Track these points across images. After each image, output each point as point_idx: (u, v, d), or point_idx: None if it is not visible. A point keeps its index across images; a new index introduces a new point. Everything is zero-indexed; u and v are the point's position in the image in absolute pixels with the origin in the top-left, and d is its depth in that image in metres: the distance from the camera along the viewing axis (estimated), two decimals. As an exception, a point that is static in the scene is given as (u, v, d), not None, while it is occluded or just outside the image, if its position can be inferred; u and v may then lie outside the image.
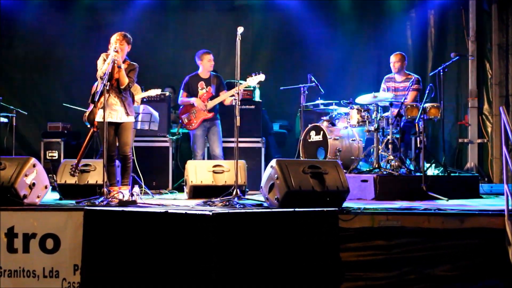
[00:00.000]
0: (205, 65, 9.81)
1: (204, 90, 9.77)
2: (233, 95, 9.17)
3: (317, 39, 12.24)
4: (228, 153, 9.80)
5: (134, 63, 7.89)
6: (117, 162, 7.95)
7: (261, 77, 9.17)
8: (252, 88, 10.53)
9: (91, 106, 7.71)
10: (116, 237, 6.08)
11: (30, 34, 12.44)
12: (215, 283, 5.56)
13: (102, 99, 7.42)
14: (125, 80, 7.68)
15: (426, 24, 12.22)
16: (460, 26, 11.93)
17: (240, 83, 8.15)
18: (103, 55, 7.78)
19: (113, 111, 7.67)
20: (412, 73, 10.12)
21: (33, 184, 6.98)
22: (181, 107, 9.96)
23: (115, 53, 7.52)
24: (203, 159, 9.78)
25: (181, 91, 9.91)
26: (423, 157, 8.64)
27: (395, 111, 9.20)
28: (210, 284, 5.56)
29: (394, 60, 10.00)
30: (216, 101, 9.71)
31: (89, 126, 7.78)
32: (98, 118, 7.62)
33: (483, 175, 11.12)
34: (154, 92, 9.53)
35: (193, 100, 9.74)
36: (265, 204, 7.07)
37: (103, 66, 7.56)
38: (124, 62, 7.80)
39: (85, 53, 11.81)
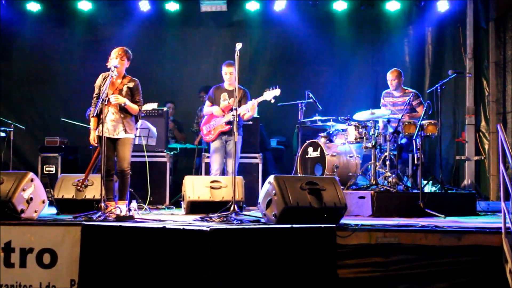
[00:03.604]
0: (224, 76, 9.53)
1: (226, 101, 9.46)
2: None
3: (315, 56, 12.30)
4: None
5: (135, 79, 7.88)
6: (115, 178, 7.94)
7: (277, 91, 9.09)
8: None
9: (95, 122, 7.72)
10: (114, 252, 6.06)
11: (29, 49, 12.46)
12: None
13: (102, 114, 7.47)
14: (134, 109, 7.76)
15: (424, 41, 12.26)
16: (457, 43, 11.96)
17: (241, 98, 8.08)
18: (102, 75, 7.79)
19: (112, 127, 7.67)
20: (409, 88, 10.17)
21: (31, 198, 6.98)
22: (204, 117, 9.77)
23: (114, 68, 7.54)
24: (221, 175, 9.42)
25: (206, 101, 9.71)
26: (420, 174, 8.67)
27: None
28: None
29: (391, 77, 10.03)
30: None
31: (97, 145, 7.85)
32: (97, 132, 7.64)
33: (480, 192, 11.13)
34: (151, 106, 9.49)
35: (213, 108, 9.51)
36: (262, 220, 7.08)
37: (103, 86, 7.56)
38: (124, 77, 7.81)
39: (83, 68, 11.88)
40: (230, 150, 9.35)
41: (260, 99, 9.19)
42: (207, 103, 9.69)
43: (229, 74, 9.42)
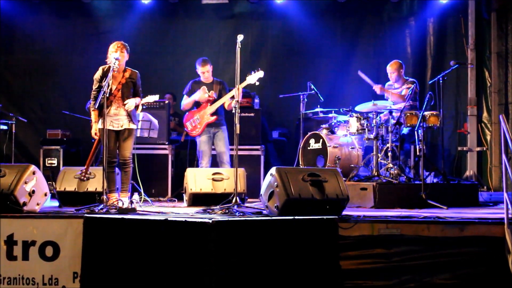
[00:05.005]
0: (201, 76, 9.71)
1: (206, 95, 9.53)
2: (232, 97, 9.04)
3: (317, 47, 12.23)
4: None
5: (135, 71, 7.92)
6: (117, 170, 7.95)
7: (260, 73, 9.11)
8: (252, 96, 10.50)
9: (96, 115, 7.72)
10: (116, 244, 6.07)
11: (30, 41, 12.40)
12: (215, 291, 5.57)
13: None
14: (138, 104, 7.95)
15: (425, 32, 12.21)
16: (459, 34, 11.92)
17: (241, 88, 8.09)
18: (102, 68, 7.80)
19: (115, 121, 7.69)
20: (410, 77, 10.15)
21: (33, 191, 7.00)
22: (185, 114, 9.82)
23: (115, 61, 7.55)
24: (209, 167, 9.52)
25: (184, 95, 9.78)
26: (422, 165, 8.65)
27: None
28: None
29: (390, 70, 10.04)
30: (218, 104, 9.50)
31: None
32: (99, 124, 7.65)
33: (482, 183, 11.12)
34: (152, 98, 9.45)
35: (195, 95, 9.58)
36: (264, 212, 7.08)
37: (105, 79, 7.56)
38: (125, 71, 7.82)
39: (84, 60, 11.83)
40: (221, 141, 9.57)
41: (243, 84, 9.17)
42: (185, 96, 9.78)
43: (207, 73, 9.66)
